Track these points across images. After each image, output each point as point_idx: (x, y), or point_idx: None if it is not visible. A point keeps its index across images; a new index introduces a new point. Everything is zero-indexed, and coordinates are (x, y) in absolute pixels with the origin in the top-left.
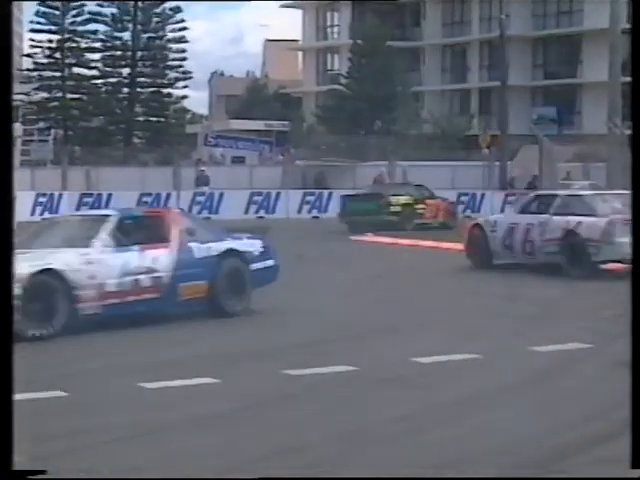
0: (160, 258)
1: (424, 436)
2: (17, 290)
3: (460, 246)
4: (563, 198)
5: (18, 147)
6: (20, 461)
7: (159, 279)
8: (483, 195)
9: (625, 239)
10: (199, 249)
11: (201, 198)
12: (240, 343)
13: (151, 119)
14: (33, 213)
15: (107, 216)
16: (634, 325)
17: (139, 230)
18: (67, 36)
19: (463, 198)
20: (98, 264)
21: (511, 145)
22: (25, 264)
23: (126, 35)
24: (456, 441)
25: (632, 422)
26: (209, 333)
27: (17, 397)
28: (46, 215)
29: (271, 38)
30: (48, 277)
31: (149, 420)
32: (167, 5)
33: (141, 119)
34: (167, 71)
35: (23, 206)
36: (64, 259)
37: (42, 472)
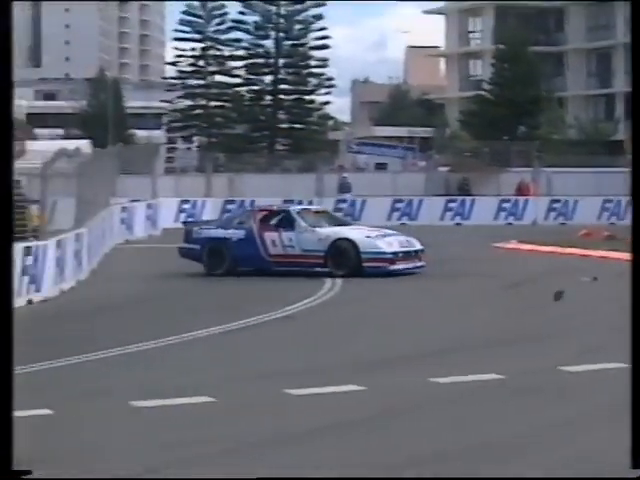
0: None
1: (566, 448)
2: None
3: (605, 253)
4: None
5: (162, 155)
6: (18, 461)
7: None
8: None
9: None
10: None
11: (343, 205)
12: (383, 349)
13: (294, 126)
14: (177, 219)
15: None
16: (634, 325)
17: None
18: (210, 44)
19: (607, 205)
20: None
21: None
22: None
23: (269, 43)
24: (601, 451)
25: (632, 422)
26: (351, 340)
27: (159, 402)
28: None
29: (413, 44)
30: None
31: (294, 426)
32: (309, 12)
33: (284, 126)
34: (309, 78)
35: (167, 212)
36: None
37: (29, 472)
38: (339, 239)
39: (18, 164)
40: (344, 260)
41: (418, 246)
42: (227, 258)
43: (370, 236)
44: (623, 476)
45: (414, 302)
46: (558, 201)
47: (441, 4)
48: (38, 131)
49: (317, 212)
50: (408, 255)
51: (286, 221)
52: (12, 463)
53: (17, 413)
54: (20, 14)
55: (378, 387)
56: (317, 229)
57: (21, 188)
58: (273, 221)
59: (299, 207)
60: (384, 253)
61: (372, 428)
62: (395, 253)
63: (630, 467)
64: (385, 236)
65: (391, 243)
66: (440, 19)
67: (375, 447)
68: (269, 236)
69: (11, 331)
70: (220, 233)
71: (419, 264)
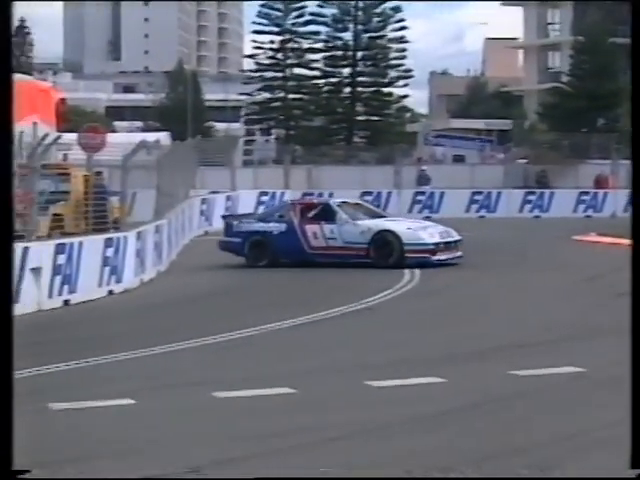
0: None
1: None
2: None
3: None
4: None
5: (240, 147)
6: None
7: None
8: None
9: None
10: None
11: (422, 197)
12: (463, 342)
13: (372, 118)
14: (256, 211)
15: None
16: (634, 324)
17: None
18: (289, 37)
19: None
20: None
21: None
22: None
23: (347, 35)
24: None
25: (632, 422)
26: (431, 332)
27: (242, 393)
28: None
29: (491, 36)
30: None
31: (375, 419)
32: (387, 5)
33: (362, 118)
34: (388, 70)
35: (246, 204)
36: None
37: (28, 471)
38: (382, 231)
39: (99, 156)
40: (387, 252)
41: (457, 236)
42: (269, 251)
43: (411, 227)
44: (623, 476)
45: (492, 294)
46: None
47: None
48: (117, 124)
49: (355, 204)
50: (448, 246)
51: (327, 214)
52: (12, 463)
53: (99, 402)
54: (100, 8)
55: (458, 379)
56: (358, 221)
57: (102, 180)
58: (313, 214)
59: (339, 200)
60: (426, 244)
61: (452, 421)
62: (436, 244)
63: (630, 467)
64: (426, 227)
65: (432, 234)
66: (518, 11)
67: (455, 440)
68: (310, 229)
69: (11, 331)
70: (261, 226)
71: (458, 254)
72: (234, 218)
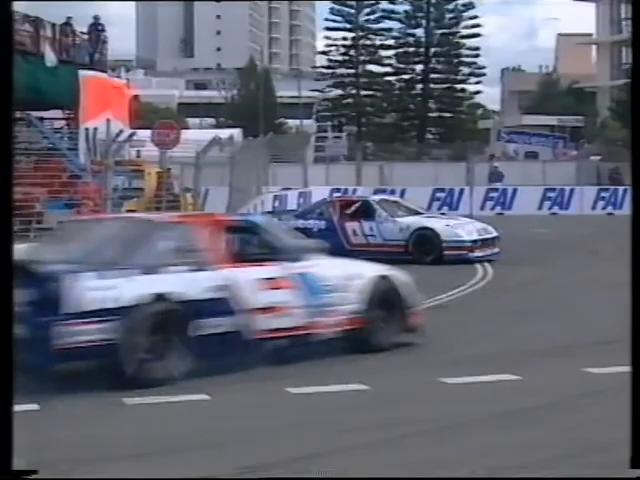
0: None
1: None
2: None
3: None
4: None
5: (312, 143)
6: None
7: None
8: None
9: None
10: None
11: (494, 194)
12: (539, 339)
13: (444, 115)
14: None
15: None
16: (634, 325)
17: None
18: (361, 34)
19: None
20: None
21: None
22: None
23: (419, 32)
24: None
25: (632, 422)
26: (506, 329)
27: (314, 389)
28: None
29: (564, 32)
30: None
31: (449, 415)
32: (460, 2)
33: (434, 115)
34: (460, 67)
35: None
36: None
37: (34, 472)
38: (421, 228)
39: (172, 153)
40: (426, 249)
41: (494, 233)
42: None
43: (450, 225)
44: (623, 476)
45: (567, 291)
46: None
47: None
48: (189, 120)
49: (394, 202)
50: (486, 242)
51: (366, 211)
52: (12, 463)
53: (174, 398)
54: (173, 6)
55: (533, 377)
56: (397, 219)
57: (170, 178)
58: (353, 211)
59: (378, 197)
60: (464, 241)
61: (526, 419)
62: (474, 241)
63: (630, 467)
64: (464, 224)
65: (470, 231)
66: (591, 7)
67: (532, 438)
68: (350, 226)
69: (11, 330)
70: (300, 224)
71: (495, 251)
72: (274, 215)
